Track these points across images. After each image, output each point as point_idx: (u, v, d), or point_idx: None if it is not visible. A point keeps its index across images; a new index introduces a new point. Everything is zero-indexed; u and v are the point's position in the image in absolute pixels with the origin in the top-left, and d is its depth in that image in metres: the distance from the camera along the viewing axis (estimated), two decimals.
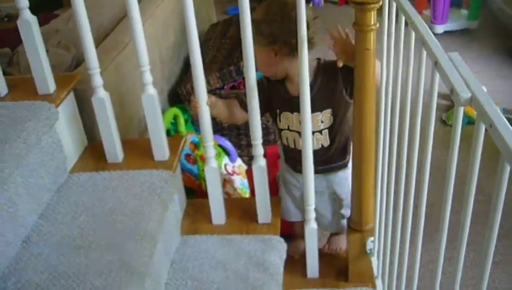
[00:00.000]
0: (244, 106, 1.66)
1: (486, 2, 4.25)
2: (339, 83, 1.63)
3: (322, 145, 1.74)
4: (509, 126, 0.72)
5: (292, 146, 1.77)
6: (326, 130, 1.71)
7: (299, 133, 1.67)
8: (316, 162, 1.64)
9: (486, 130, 0.77)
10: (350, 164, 1.80)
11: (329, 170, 1.81)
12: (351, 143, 1.76)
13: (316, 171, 1.72)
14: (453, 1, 4.01)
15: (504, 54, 3.75)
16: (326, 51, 1.63)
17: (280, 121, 1.75)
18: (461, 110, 0.87)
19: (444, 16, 4.01)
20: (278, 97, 1.72)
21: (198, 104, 1.57)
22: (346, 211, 1.84)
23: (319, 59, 1.67)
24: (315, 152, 1.63)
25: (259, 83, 1.53)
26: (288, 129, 1.74)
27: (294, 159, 1.77)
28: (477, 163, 0.84)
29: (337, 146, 1.75)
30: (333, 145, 1.74)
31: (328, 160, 1.78)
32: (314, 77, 1.64)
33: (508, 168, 0.73)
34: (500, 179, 0.75)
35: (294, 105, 1.65)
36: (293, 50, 1.53)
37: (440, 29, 4.05)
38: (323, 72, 1.64)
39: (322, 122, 1.68)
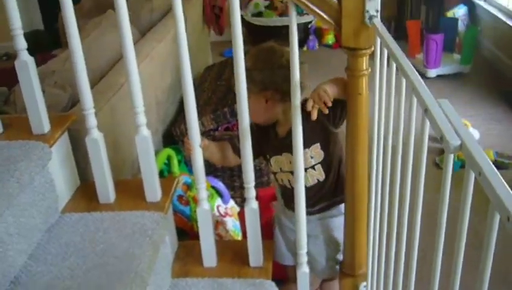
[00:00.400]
0: (236, 150, 1.67)
1: (478, 46, 4.32)
2: (321, 117, 1.63)
3: (318, 180, 1.73)
4: (498, 174, 0.73)
5: (289, 186, 1.76)
6: (319, 165, 1.70)
7: (292, 172, 1.67)
8: (313, 199, 1.63)
9: None
10: None
11: (328, 208, 1.79)
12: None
13: (312, 212, 1.71)
14: (445, 45, 4.07)
15: (497, 98, 3.79)
16: None
17: (271, 165, 1.76)
18: (451, 157, 0.87)
19: (437, 60, 4.07)
20: (267, 141, 1.72)
21: (192, 147, 1.58)
22: (341, 256, 1.82)
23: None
24: (311, 188, 1.63)
25: (251, 127, 1.54)
26: (281, 171, 1.75)
27: (289, 198, 1.77)
28: (468, 210, 0.84)
29: (333, 178, 1.74)
30: (329, 178, 1.73)
31: (327, 195, 1.76)
32: None
33: (497, 217, 0.73)
34: (490, 227, 0.75)
35: (283, 146, 1.67)
36: (284, 96, 1.55)
37: (433, 73, 4.10)
38: (305, 108, 1.63)
39: (312, 157, 1.68)
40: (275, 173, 1.79)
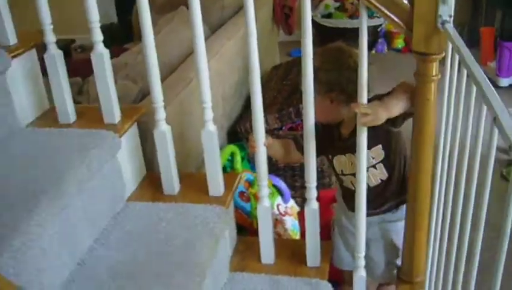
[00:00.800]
0: (300, 147, 1.69)
1: None
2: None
3: (382, 180, 1.71)
4: None
5: (353, 188, 1.74)
6: (381, 164, 1.68)
7: (354, 175, 1.67)
8: (378, 200, 1.64)
9: None
10: None
11: (395, 207, 1.76)
12: None
13: (378, 213, 1.73)
14: None
15: None
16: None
17: (334, 166, 1.76)
18: None
19: (510, 68, 3.93)
20: (330, 141, 1.72)
21: (256, 144, 1.60)
22: (399, 261, 1.80)
23: None
24: (375, 188, 1.62)
25: (315, 125, 1.54)
26: (343, 174, 1.75)
27: (352, 199, 1.77)
28: None
29: (398, 177, 1.71)
30: (393, 177, 1.71)
31: (392, 196, 1.74)
32: None
33: None
34: None
35: (346, 147, 1.67)
36: (350, 97, 1.55)
37: (505, 82, 3.96)
38: None
39: (373, 158, 1.66)
40: (337, 175, 1.79)
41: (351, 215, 1.79)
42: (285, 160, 1.87)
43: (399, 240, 1.77)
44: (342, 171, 1.74)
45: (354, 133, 1.54)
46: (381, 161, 1.68)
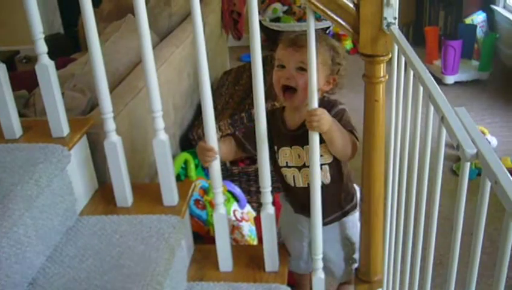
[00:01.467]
0: (239, 144, 1.70)
1: (497, 53, 4.28)
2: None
3: (323, 183, 1.63)
4: None
5: (292, 184, 1.72)
6: (327, 166, 1.65)
7: (298, 168, 1.66)
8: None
9: None
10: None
11: (343, 216, 1.76)
12: (354, 193, 1.75)
13: (324, 223, 1.70)
14: (463, 52, 4.05)
15: None
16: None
17: (278, 157, 1.71)
18: (467, 165, 0.87)
19: (455, 66, 4.05)
20: (276, 132, 1.68)
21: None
22: (357, 255, 1.79)
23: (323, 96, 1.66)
24: None
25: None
26: (287, 166, 1.70)
27: (294, 199, 1.76)
28: (483, 218, 0.84)
29: (338, 188, 1.70)
30: (334, 186, 1.68)
31: (333, 205, 1.73)
32: None
33: None
34: (505, 236, 0.75)
35: (293, 138, 1.65)
36: (336, 85, 1.61)
37: (450, 79, 4.08)
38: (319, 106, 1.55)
39: (321, 156, 1.59)
40: (280, 168, 1.73)
41: (298, 219, 1.77)
42: (231, 158, 1.84)
43: (353, 234, 1.77)
44: (286, 163, 1.70)
45: (302, 125, 1.53)
46: (328, 164, 1.65)
